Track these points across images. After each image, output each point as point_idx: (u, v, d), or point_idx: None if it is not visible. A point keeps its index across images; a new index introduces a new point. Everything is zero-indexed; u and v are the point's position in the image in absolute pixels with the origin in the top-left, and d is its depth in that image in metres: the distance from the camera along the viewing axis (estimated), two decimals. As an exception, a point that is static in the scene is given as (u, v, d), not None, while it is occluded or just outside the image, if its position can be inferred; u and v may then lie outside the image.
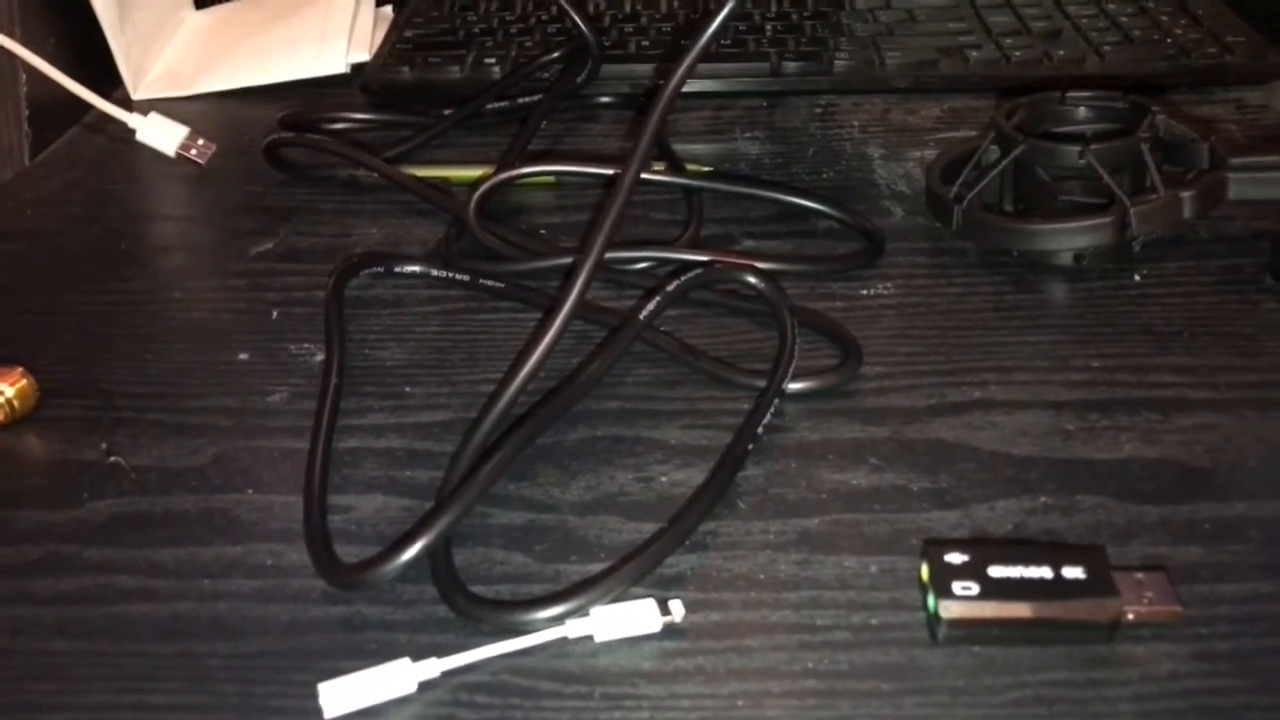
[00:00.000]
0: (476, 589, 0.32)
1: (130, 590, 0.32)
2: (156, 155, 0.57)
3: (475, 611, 0.31)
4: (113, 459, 0.37)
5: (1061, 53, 0.59)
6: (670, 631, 0.30)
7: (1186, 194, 0.43)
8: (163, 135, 0.56)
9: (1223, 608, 0.30)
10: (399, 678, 0.29)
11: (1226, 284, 0.43)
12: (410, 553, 0.31)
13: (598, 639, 0.30)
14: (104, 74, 0.61)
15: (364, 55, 0.64)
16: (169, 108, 0.59)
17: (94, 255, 0.49)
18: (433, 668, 0.29)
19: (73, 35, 0.61)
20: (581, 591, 0.31)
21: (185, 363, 0.42)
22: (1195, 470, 0.35)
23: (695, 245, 0.47)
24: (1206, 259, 0.45)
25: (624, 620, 0.30)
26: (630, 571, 0.31)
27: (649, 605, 0.30)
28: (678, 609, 0.31)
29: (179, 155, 0.56)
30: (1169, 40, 0.60)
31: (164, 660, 0.30)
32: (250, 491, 0.36)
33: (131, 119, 0.57)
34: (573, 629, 0.30)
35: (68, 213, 0.53)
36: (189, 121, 0.57)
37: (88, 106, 0.58)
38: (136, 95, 0.63)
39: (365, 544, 0.34)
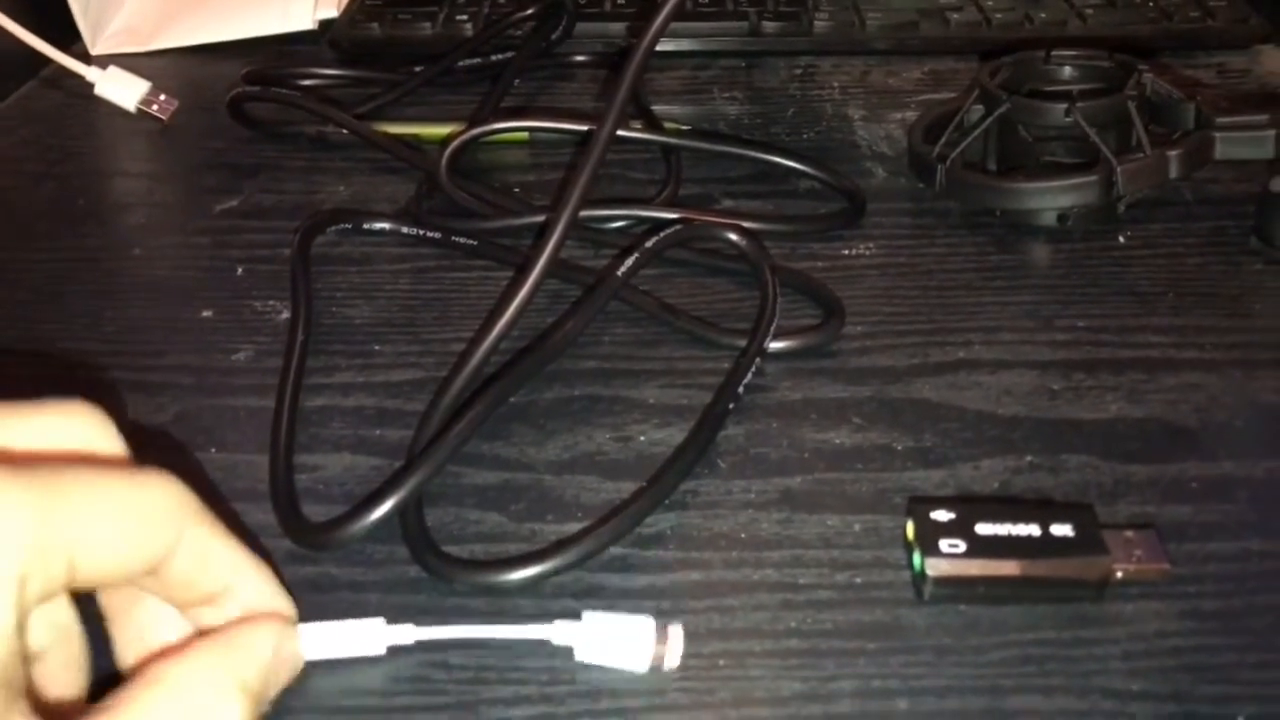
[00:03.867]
0: (449, 549, 0.30)
1: (87, 551, 0.31)
2: (116, 111, 0.55)
3: (448, 571, 0.30)
4: (69, 417, 0.36)
5: (1043, 15, 0.59)
6: (649, 591, 0.30)
7: (1173, 153, 0.42)
8: (123, 90, 0.54)
9: (1211, 566, 0.30)
10: (371, 637, 0.27)
11: (1211, 245, 0.43)
12: (380, 511, 0.30)
13: (578, 656, 0.27)
14: (62, 27, 0.59)
15: (332, 11, 0.62)
16: (129, 64, 0.57)
17: (50, 212, 0.48)
18: (407, 634, 0.28)
19: (28, -13, 0.59)
20: (559, 551, 0.30)
21: (145, 320, 0.41)
22: (1182, 430, 0.35)
23: (673, 204, 0.46)
24: (1191, 220, 0.44)
25: (611, 642, 0.27)
26: (609, 531, 0.30)
27: (645, 628, 0.27)
28: (676, 641, 0.27)
29: (140, 111, 0.54)
30: (1151, 3, 0.59)
31: (122, 622, 0.29)
32: (214, 450, 0.35)
33: (90, 72, 0.55)
34: (558, 633, 0.27)
35: (23, 169, 0.51)
36: (150, 77, 0.55)
37: (45, 60, 0.56)
38: (95, 50, 0.61)
39: (334, 503, 0.32)
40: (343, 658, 0.27)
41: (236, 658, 0.24)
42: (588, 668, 0.27)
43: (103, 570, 0.22)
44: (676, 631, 0.27)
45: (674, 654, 0.27)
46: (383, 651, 0.28)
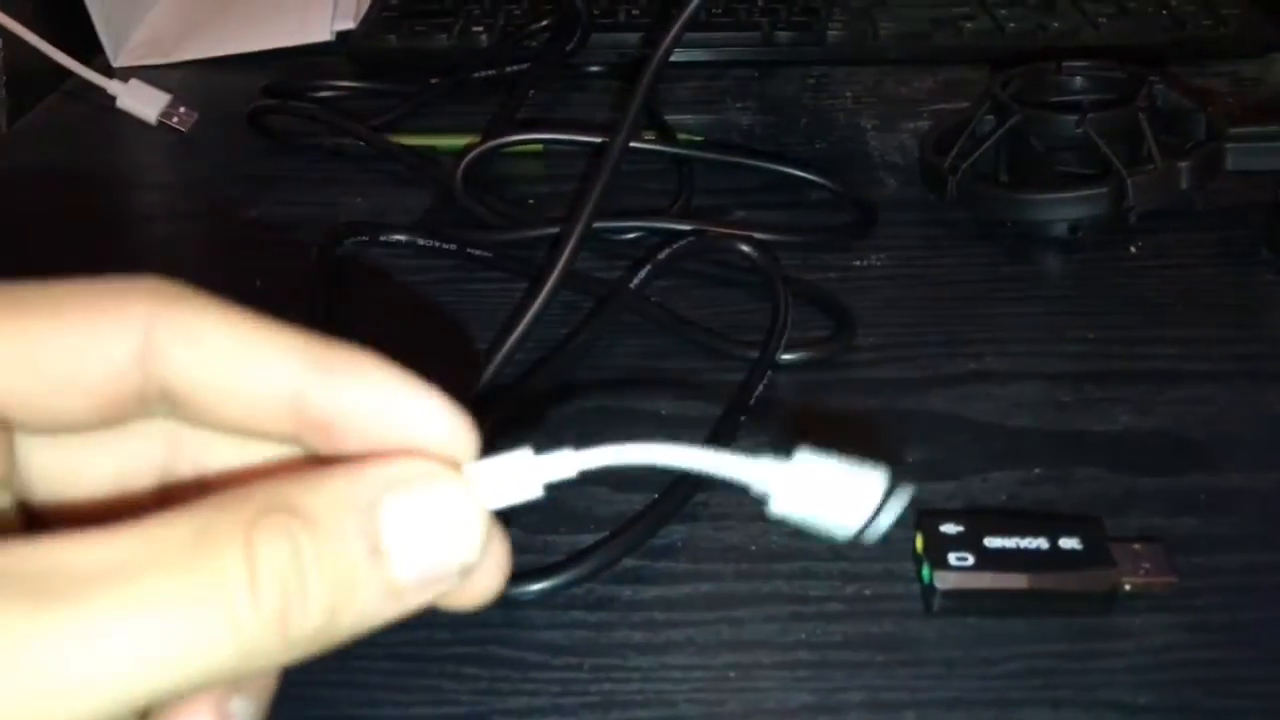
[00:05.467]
0: (464, 560, 0.31)
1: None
2: (137, 123, 0.55)
3: (463, 582, 0.30)
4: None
5: (1056, 24, 0.59)
6: (660, 602, 0.30)
7: (1184, 164, 0.42)
8: (144, 102, 0.55)
9: (1218, 578, 0.30)
10: (526, 474, 0.19)
11: (1222, 256, 0.43)
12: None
13: (775, 508, 0.20)
14: (84, 41, 0.60)
15: (350, 23, 0.63)
16: (150, 76, 0.58)
17: (73, 224, 0.48)
18: (566, 463, 0.19)
19: (52, 1, 0.60)
20: (572, 565, 0.30)
21: (167, 332, 0.41)
22: (1190, 442, 0.35)
23: (686, 215, 0.46)
24: (1202, 231, 0.44)
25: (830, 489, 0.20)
26: (621, 544, 0.31)
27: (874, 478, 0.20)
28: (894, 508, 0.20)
29: (160, 123, 0.55)
30: (1164, 12, 0.59)
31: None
32: (233, 462, 0.35)
33: (112, 85, 0.56)
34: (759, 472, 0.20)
35: (47, 181, 0.52)
36: (171, 89, 0.56)
37: (67, 73, 0.56)
38: (117, 62, 0.62)
39: (350, 515, 0.33)
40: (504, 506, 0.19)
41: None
42: (598, 677, 0.28)
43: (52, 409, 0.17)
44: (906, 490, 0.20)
45: (891, 513, 0.20)
46: (540, 494, 0.19)
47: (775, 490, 0.20)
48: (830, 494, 0.20)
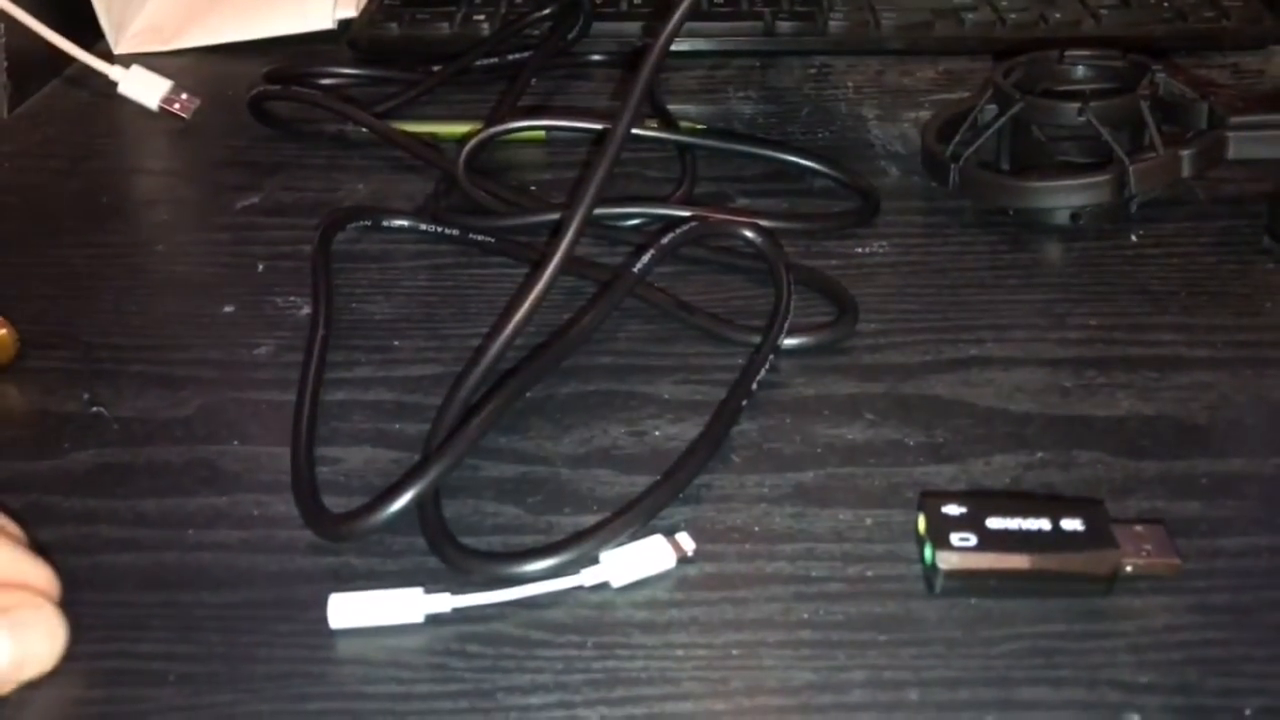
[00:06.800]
0: (467, 540, 0.31)
1: (113, 540, 0.32)
2: (139, 109, 0.55)
3: (465, 563, 0.30)
4: (95, 409, 0.37)
5: (1058, 15, 0.59)
6: (666, 579, 0.30)
7: (1185, 153, 0.42)
8: (145, 89, 0.55)
9: (1220, 561, 0.30)
10: (408, 605, 0.29)
11: (1224, 245, 0.43)
12: (400, 503, 0.31)
13: (615, 585, 0.30)
14: (85, 27, 0.60)
15: (351, 11, 0.63)
16: (151, 63, 0.58)
17: (75, 209, 0.48)
18: (444, 602, 0.29)
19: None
20: (575, 543, 0.30)
21: (169, 315, 0.41)
22: (1192, 427, 0.35)
23: (688, 202, 0.46)
24: (1203, 220, 0.45)
25: (637, 562, 0.30)
26: (625, 523, 0.31)
27: (658, 542, 0.30)
28: (686, 541, 0.30)
29: (162, 109, 0.55)
30: (1166, 3, 0.59)
31: (149, 610, 0.30)
32: (236, 443, 0.35)
33: (113, 71, 0.56)
34: (587, 577, 0.30)
35: (48, 166, 0.52)
36: (172, 76, 0.56)
37: (69, 59, 0.56)
38: (118, 50, 0.61)
39: (353, 495, 0.33)
40: (381, 625, 0.29)
41: None
42: (601, 654, 0.28)
43: None
44: (682, 535, 0.31)
45: (688, 544, 0.30)
46: (421, 620, 0.29)
47: (608, 578, 0.30)
48: (639, 560, 0.30)
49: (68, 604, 0.28)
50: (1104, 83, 0.46)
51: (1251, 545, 0.31)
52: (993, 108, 0.46)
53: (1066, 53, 0.47)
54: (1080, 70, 0.47)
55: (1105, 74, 0.46)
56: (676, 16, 0.38)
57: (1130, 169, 0.41)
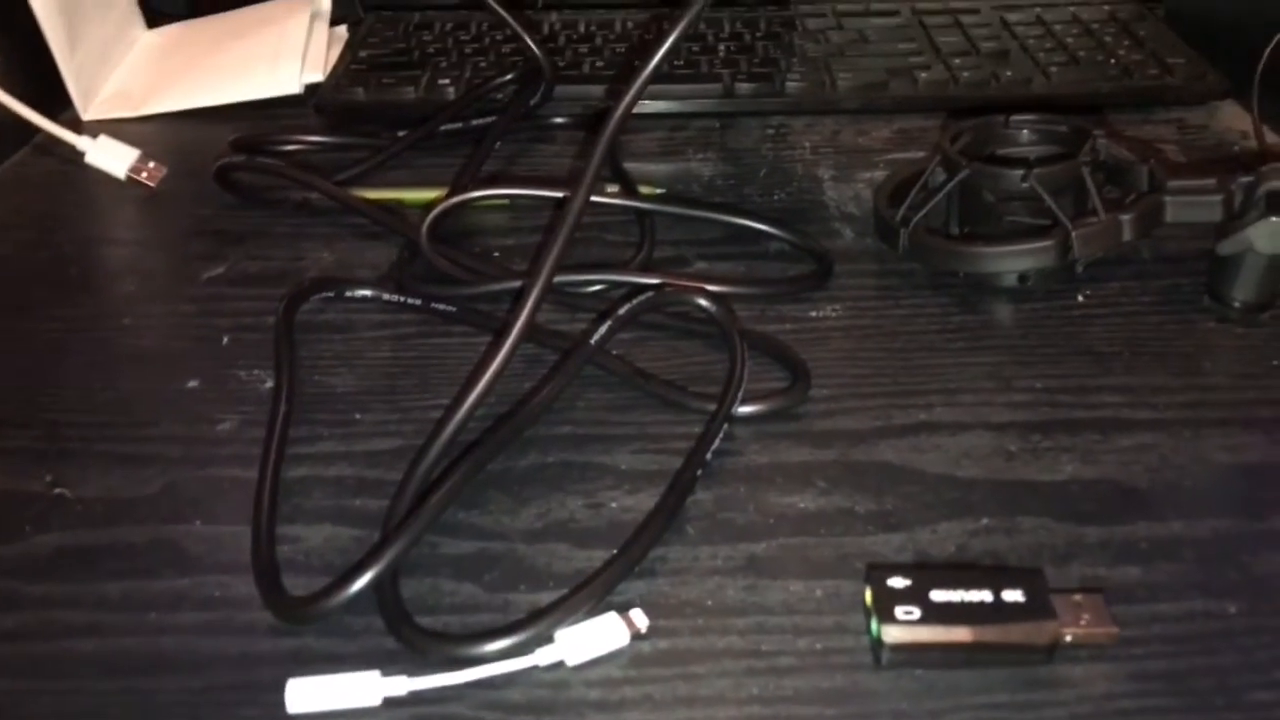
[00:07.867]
0: (424, 620, 0.32)
1: (75, 626, 0.32)
2: (106, 178, 0.56)
3: (421, 643, 0.31)
4: (58, 491, 0.37)
5: (1009, 73, 0.60)
6: (620, 656, 0.31)
7: (1126, 217, 0.43)
8: (113, 158, 0.56)
9: (1157, 627, 0.31)
10: (366, 689, 0.29)
11: (1166, 303, 0.44)
12: (357, 586, 0.31)
13: (570, 663, 0.30)
14: (53, 94, 0.61)
15: (318, 76, 0.64)
16: (120, 129, 0.59)
17: (42, 280, 0.49)
18: (401, 685, 0.29)
19: (20, 55, 0.60)
20: (531, 623, 0.31)
21: (134, 391, 0.42)
22: (1134, 490, 0.36)
23: (647, 268, 0.47)
24: (1147, 279, 0.46)
25: (591, 640, 0.30)
26: (580, 601, 0.31)
27: (612, 619, 0.31)
28: (640, 619, 0.31)
29: (129, 178, 0.56)
30: (1113, 61, 0.61)
31: (109, 697, 0.30)
32: (199, 522, 0.36)
33: (80, 141, 0.56)
34: (542, 656, 0.30)
35: (15, 237, 0.52)
36: (140, 142, 0.57)
37: (36, 128, 0.57)
38: (86, 116, 0.62)
39: (314, 575, 0.33)
40: (339, 710, 0.29)
41: None
42: (557, 737, 0.29)
43: None
44: (636, 611, 0.31)
45: (642, 620, 0.31)
46: (378, 703, 0.29)
47: (563, 656, 0.30)
48: (592, 639, 0.31)
49: (26, 693, 0.29)
50: (1049, 145, 0.48)
51: (1187, 611, 0.32)
52: (941, 172, 0.47)
53: (1012, 118, 0.48)
54: (1025, 134, 0.48)
55: (1050, 137, 0.48)
56: (634, 88, 0.39)
57: (1073, 234, 0.43)
